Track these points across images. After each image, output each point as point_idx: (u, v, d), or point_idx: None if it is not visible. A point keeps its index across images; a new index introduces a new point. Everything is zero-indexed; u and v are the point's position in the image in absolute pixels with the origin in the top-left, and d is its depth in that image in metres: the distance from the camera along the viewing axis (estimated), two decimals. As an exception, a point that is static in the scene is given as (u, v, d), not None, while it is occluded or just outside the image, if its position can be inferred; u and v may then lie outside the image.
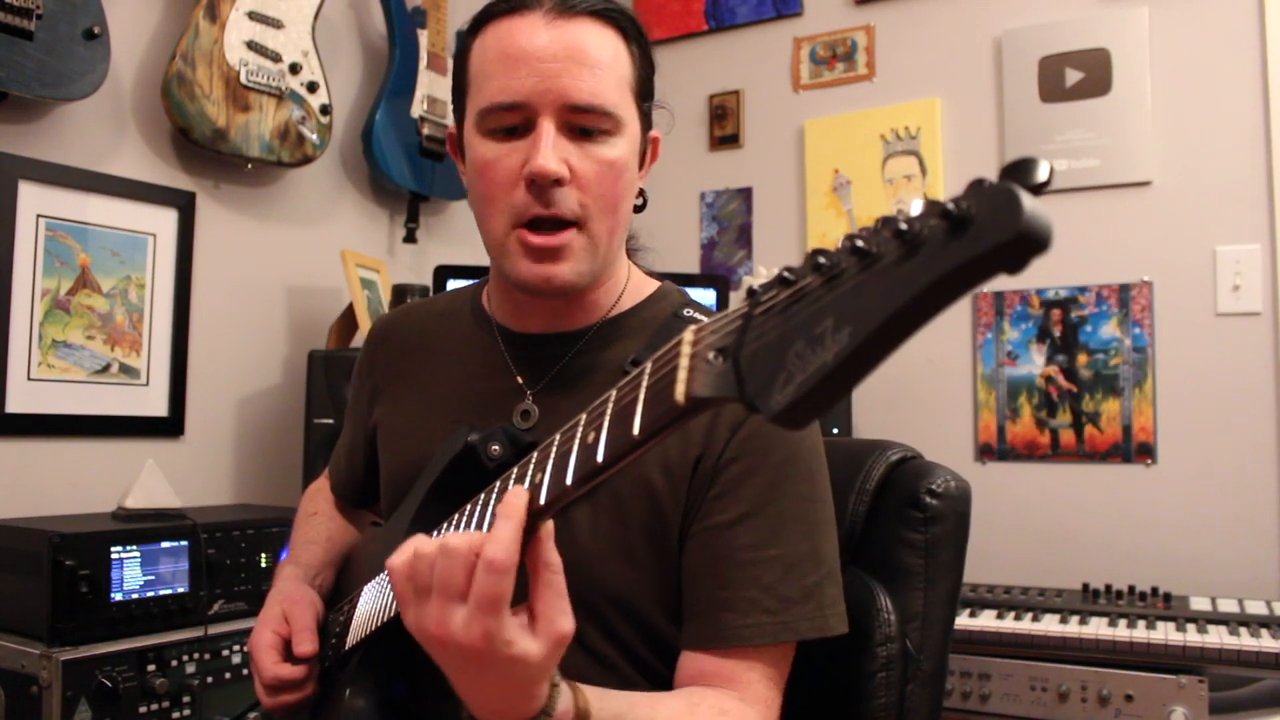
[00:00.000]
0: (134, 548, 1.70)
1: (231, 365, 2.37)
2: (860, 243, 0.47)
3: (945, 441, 2.62)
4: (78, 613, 1.61)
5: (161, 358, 2.21)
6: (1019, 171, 0.44)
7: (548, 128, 0.94)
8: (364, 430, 1.21)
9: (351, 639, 0.96)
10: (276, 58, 2.29)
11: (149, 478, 1.90)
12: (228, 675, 1.79)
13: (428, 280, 2.66)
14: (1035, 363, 2.57)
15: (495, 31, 0.98)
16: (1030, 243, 0.42)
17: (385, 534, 1.05)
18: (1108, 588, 2.23)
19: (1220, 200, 2.38)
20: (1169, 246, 2.42)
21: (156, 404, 2.21)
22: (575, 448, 0.68)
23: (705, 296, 2.37)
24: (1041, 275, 2.56)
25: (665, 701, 0.89)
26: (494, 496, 0.79)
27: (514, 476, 0.76)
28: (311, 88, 2.36)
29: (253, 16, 2.24)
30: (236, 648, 1.80)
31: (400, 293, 2.42)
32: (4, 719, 1.62)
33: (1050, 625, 2.00)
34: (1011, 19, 2.64)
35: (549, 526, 0.71)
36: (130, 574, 1.69)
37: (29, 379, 1.99)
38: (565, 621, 0.70)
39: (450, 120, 1.09)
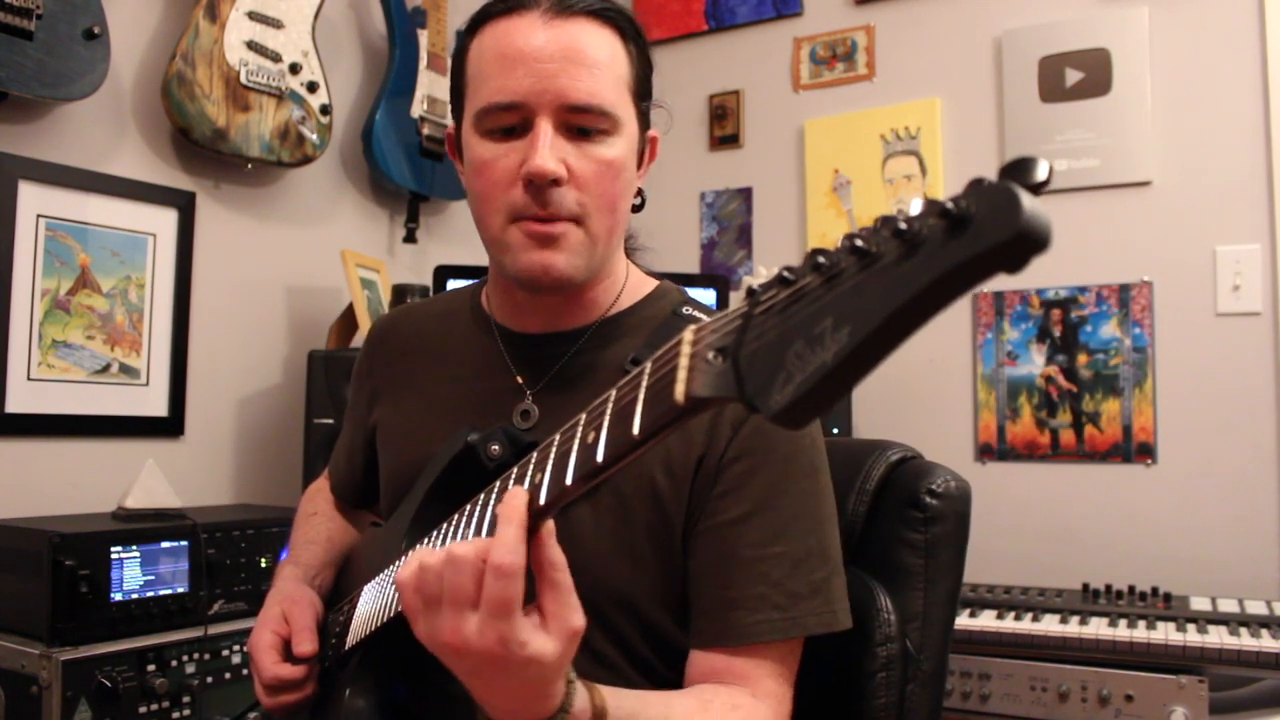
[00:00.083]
0: (134, 548, 1.70)
1: (231, 365, 2.37)
2: (859, 242, 0.47)
3: (945, 441, 2.62)
4: (78, 613, 1.61)
5: (161, 358, 2.21)
6: (1018, 171, 0.44)
7: (545, 128, 0.94)
8: (363, 431, 1.21)
9: (352, 639, 0.96)
10: (276, 58, 2.29)
11: (149, 478, 1.90)
12: (228, 675, 1.79)
13: (428, 280, 2.66)
14: (1035, 363, 2.57)
15: (493, 32, 0.98)
16: (1030, 242, 0.42)
17: (385, 534, 1.05)
18: (1108, 588, 2.23)
19: (1220, 200, 2.38)
20: (1169, 246, 2.42)
21: (156, 404, 2.21)
22: (575, 448, 0.68)
23: (705, 296, 2.37)
24: (1041, 275, 2.56)
25: (678, 699, 0.89)
26: (493, 497, 0.79)
27: (513, 477, 0.76)
28: (311, 88, 2.36)
29: (253, 16, 2.24)
30: (236, 648, 1.80)
31: (400, 293, 2.42)
32: (4, 719, 1.62)
33: (1050, 625, 2.00)
34: (1011, 19, 2.64)
35: (550, 525, 0.71)
36: (130, 574, 1.69)
37: (29, 379, 1.99)
38: (576, 617, 0.71)
39: (450, 120, 1.09)
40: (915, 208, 0.46)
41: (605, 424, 0.65)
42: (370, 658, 0.95)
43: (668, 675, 0.98)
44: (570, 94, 0.94)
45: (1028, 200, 0.42)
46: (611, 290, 1.06)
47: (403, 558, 0.91)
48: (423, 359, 1.14)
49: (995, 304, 2.62)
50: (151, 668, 1.67)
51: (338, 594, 1.14)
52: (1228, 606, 2.09)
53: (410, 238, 2.74)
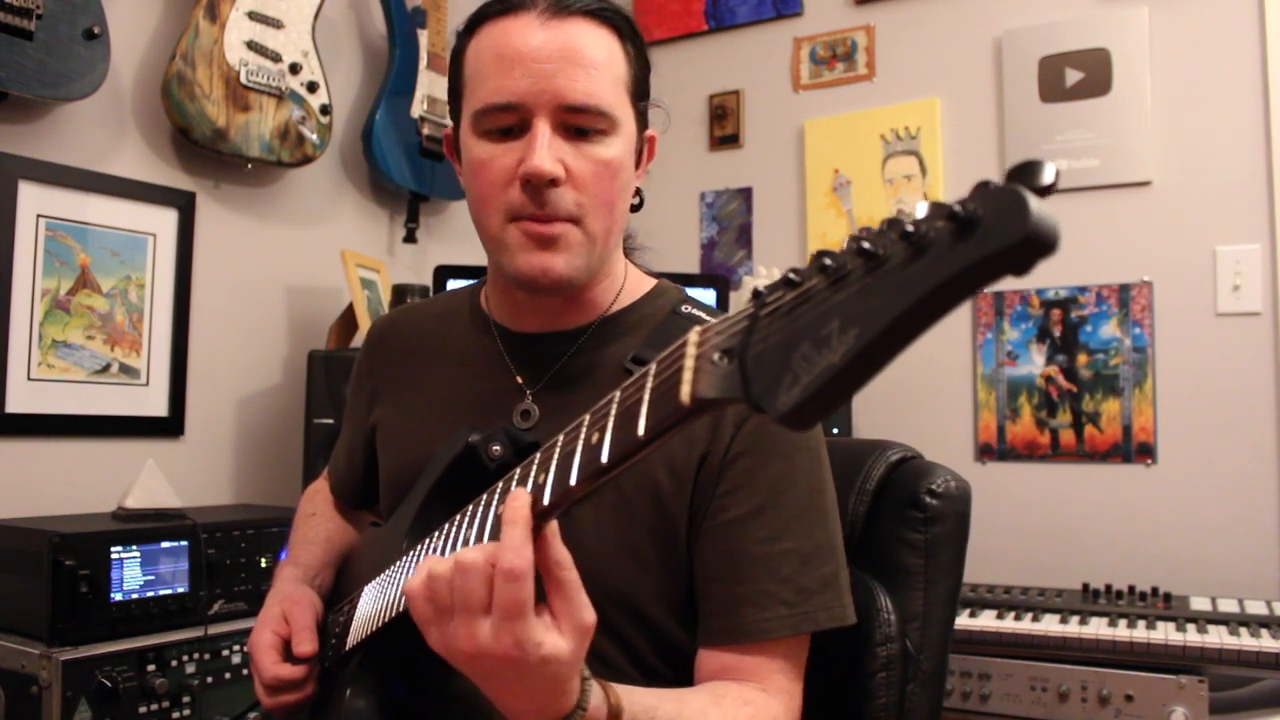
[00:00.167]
0: (134, 548, 1.70)
1: (231, 365, 2.37)
2: (866, 244, 0.47)
3: (945, 441, 2.62)
4: (78, 613, 1.61)
5: (161, 358, 2.21)
6: (1025, 174, 0.44)
7: (543, 128, 0.94)
8: (363, 432, 1.21)
9: (352, 639, 0.96)
10: (276, 58, 2.29)
11: (149, 478, 1.90)
12: (228, 675, 1.79)
13: (428, 280, 2.66)
14: (1035, 363, 2.57)
15: (490, 32, 0.98)
16: (1038, 245, 0.42)
17: (385, 535, 1.05)
18: (1108, 588, 2.23)
19: (1220, 200, 2.38)
20: (1169, 246, 2.42)
21: (156, 404, 2.21)
22: (579, 448, 0.68)
23: (705, 296, 2.37)
24: (1041, 275, 2.56)
25: (690, 695, 0.89)
26: (495, 497, 0.79)
27: (516, 478, 0.76)
28: (311, 88, 2.36)
29: (253, 16, 2.24)
30: (236, 648, 1.80)
31: (400, 293, 2.42)
32: (4, 719, 1.62)
33: (1050, 625, 2.00)
34: (1011, 19, 2.64)
35: (554, 525, 0.71)
36: (130, 574, 1.69)
37: (29, 379, 1.99)
38: (587, 614, 0.71)
39: (449, 120, 1.09)
40: (921, 210, 0.46)
41: (610, 425, 0.65)
42: (371, 658, 0.95)
43: (670, 676, 0.98)
44: (568, 94, 0.94)
45: (1035, 203, 0.42)
46: (611, 289, 1.06)
47: (403, 558, 0.91)
48: (422, 359, 1.14)
49: (995, 304, 2.62)
50: (151, 668, 1.67)
51: (337, 594, 1.14)
52: (1228, 606, 2.09)
53: (410, 238, 2.74)
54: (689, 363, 0.58)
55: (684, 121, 3.11)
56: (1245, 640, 1.85)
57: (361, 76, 2.72)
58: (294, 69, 2.33)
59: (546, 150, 0.93)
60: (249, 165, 2.31)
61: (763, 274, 2.65)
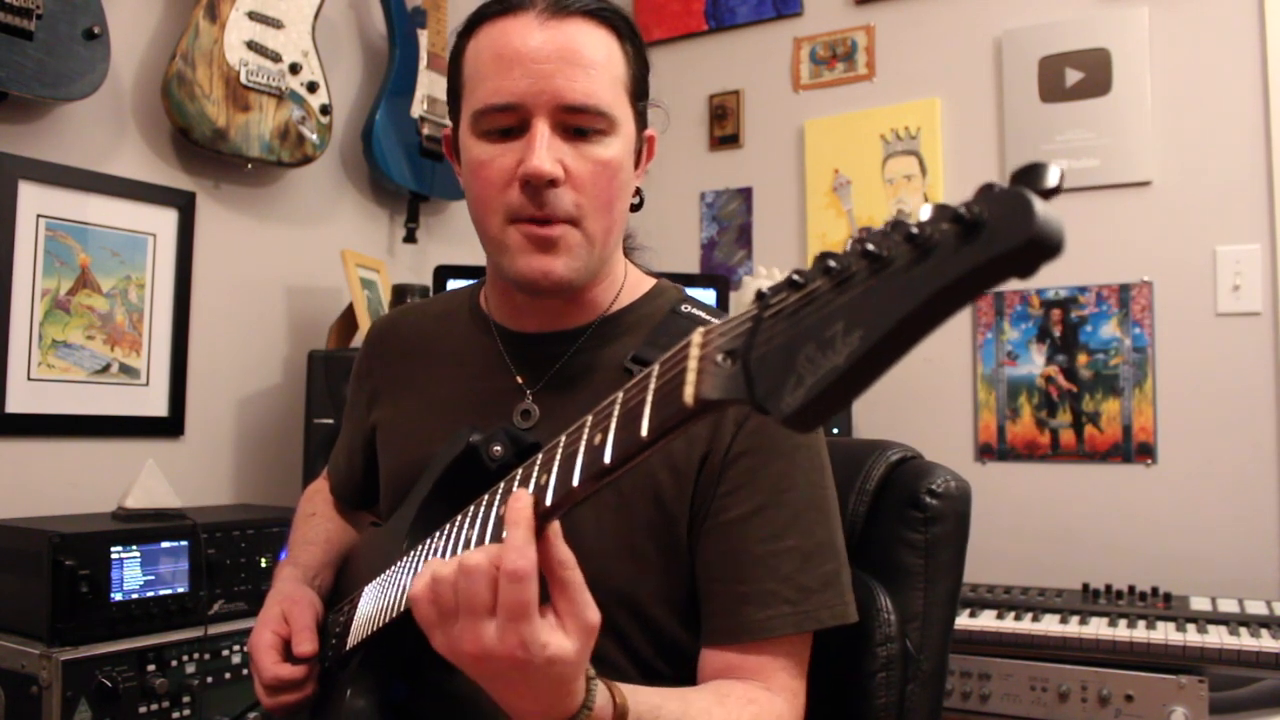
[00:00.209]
0: (134, 548, 1.70)
1: (231, 365, 2.37)
2: (871, 246, 0.47)
3: (945, 441, 2.62)
4: (78, 613, 1.61)
5: (161, 358, 2.21)
6: (1029, 176, 0.44)
7: (542, 129, 0.94)
8: (362, 432, 1.21)
9: (353, 639, 0.96)
10: (276, 58, 2.29)
11: (149, 478, 1.90)
12: (228, 675, 1.79)
13: (428, 280, 2.66)
14: (1035, 363, 2.57)
15: (489, 32, 0.98)
16: (1043, 247, 0.42)
17: (386, 535, 1.05)
18: (1108, 588, 2.23)
19: (1220, 200, 2.38)
20: (1169, 246, 2.42)
21: (156, 404, 2.21)
22: (582, 449, 0.68)
23: (705, 296, 2.37)
24: (1041, 275, 2.51)
25: (694, 694, 0.89)
26: (497, 498, 0.79)
27: (518, 478, 0.76)
28: (311, 88, 2.36)
29: (253, 16, 2.24)
30: (236, 648, 1.80)
31: (400, 293, 2.42)
32: (4, 719, 1.62)
33: (1050, 625, 2.00)
34: (1011, 19, 2.64)
35: (556, 526, 0.72)
36: (130, 574, 1.69)
37: (29, 379, 1.99)
38: (591, 613, 0.71)
39: (449, 121, 1.09)
40: (926, 213, 0.46)
41: (613, 425, 0.65)
42: (371, 658, 0.95)
43: (671, 675, 0.98)
44: (566, 94, 0.94)
45: (1040, 206, 0.42)
46: (610, 289, 1.07)
47: (404, 558, 0.91)
48: (422, 359, 1.14)
49: (995, 304, 2.62)
50: (151, 668, 1.67)
51: (337, 594, 1.14)
52: (1228, 606, 2.09)
53: (410, 238, 2.74)
54: (692, 364, 0.58)
55: (684, 121, 3.11)
56: (1245, 640, 1.85)
57: (361, 76, 2.72)
58: (294, 69, 2.33)
59: (546, 151, 0.93)
60: (249, 165, 2.31)
61: (763, 274, 2.65)
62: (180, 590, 1.76)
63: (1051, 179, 0.44)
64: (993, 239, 0.43)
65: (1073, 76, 2.54)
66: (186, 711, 1.72)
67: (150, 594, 1.71)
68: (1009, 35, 2.63)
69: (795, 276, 0.52)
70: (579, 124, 0.96)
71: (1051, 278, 2.55)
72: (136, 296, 2.17)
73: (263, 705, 1.02)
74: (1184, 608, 2.08)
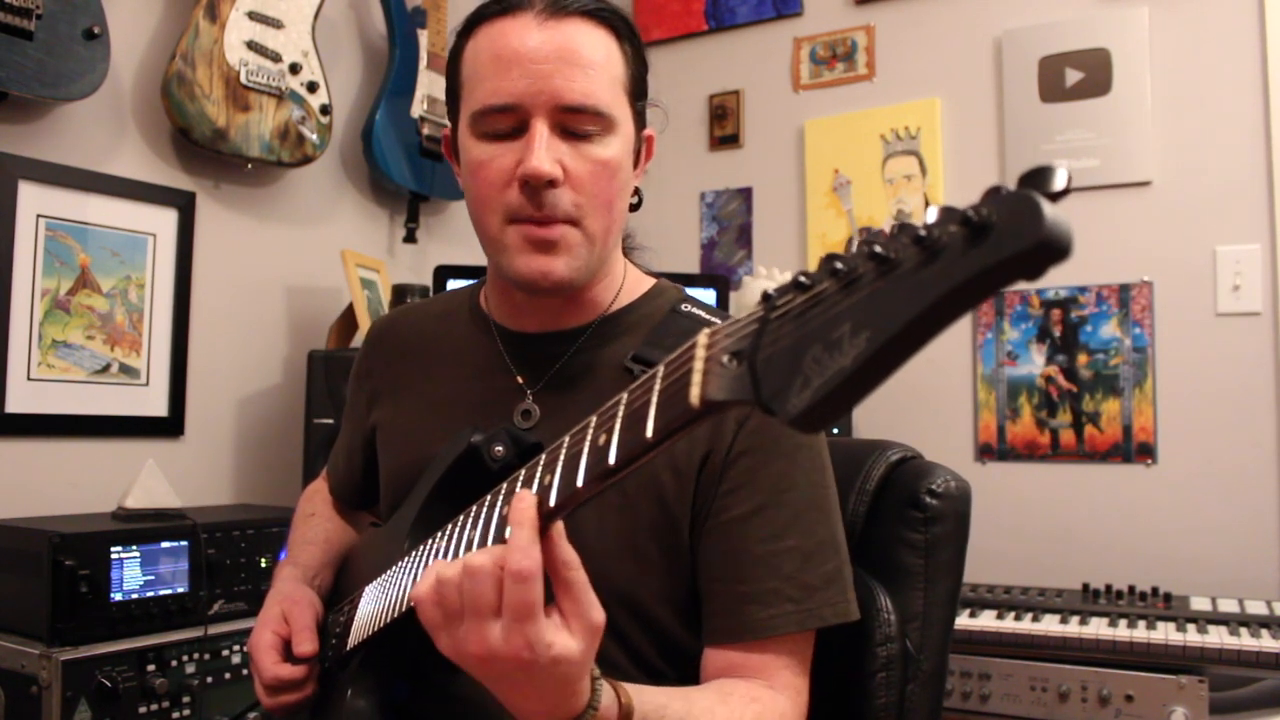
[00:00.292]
0: (134, 548, 1.70)
1: (231, 365, 2.37)
2: (878, 248, 0.47)
3: (945, 441, 2.62)
4: (78, 613, 1.61)
5: (161, 358, 2.21)
6: (1037, 179, 0.44)
7: (541, 129, 0.94)
8: (362, 432, 1.21)
9: (353, 640, 0.96)
10: (276, 58, 2.29)
11: (149, 478, 1.89)
12: (228, 675, 1.79)
13: (428, 280, 2.66)
14: (1035, 363, 2.57)
15: (487, 33, 0.98)
16: (1052, 250, 0.42)
17: (386, 535, 1.05)
18: (1108, 588, 2.23)
19: (1220, 200, 2.38)
20: (1169, 246, 2.42)
21: (156, 404, 2.21)
22: (586, 450, 0.68)
23: (705, 296, 2.36)
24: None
25: (697, 693, 0.89)
26: (500, 499, 0.79)
27: (522, 479, 0.76)
28: (311, 88, 2.36)
29: (253, 16, 2.24)
30: (236, 648, 1.80)
31: (400, 293, 2.42)
32: (4, 719, 1.62)
33: (1050, 625, 2.00)
34: (1011, 19, 2.64)
35: (559, 526, 0.72)
36: (130, 574, 1.69)
37: (29, 379, 1.99)
38: (596, 613, 0.72)
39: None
40: (933, 215, 0.46)
41: (617, 426, 0.65)
42: (372, 658, 0.95)
43: (672, 675, 0.98)
44: (565, 95, 0.94)
45: (1049, 209, 0.42)
46: (610, 289, 1.07)
47: (405, 559, 0.91)
48: (422, 359, 1.14)
49: (995, 304, 2.62)
50: (151, 668, 1.67)
51: (337, 594, 1.14)
52: (1228, 606, 2.09)
53: (410, 238, 2.74)
54: (698, 365, 0.58)
55: (684, 121, 3.11)
56: (1245, 640, 1.85)
57: (361, 76, 2.72)
58: (294, 69, 2.32)
59: (545, 151, 0.93)
60: (249, 165, 2.31)
61: (763, 274, 2.65)
62: (180, 590, 1.76)
63: (1059, 182, 0.44)
64: (1001, 242, 0.43)
65: (1073, 76, 2.55)
66: (186, 711, 1.72)
67: (150, 594, 1.71)
68: (1009, 35, 2.63)
69: (801, 278, 0.52)
70: (578, 124, 0.96)
71: (1052, 278, 2.54)
72: (136, 296, 2.17)
73: (263, 705, 1.02)
74: (1184, 608, 2.08)
